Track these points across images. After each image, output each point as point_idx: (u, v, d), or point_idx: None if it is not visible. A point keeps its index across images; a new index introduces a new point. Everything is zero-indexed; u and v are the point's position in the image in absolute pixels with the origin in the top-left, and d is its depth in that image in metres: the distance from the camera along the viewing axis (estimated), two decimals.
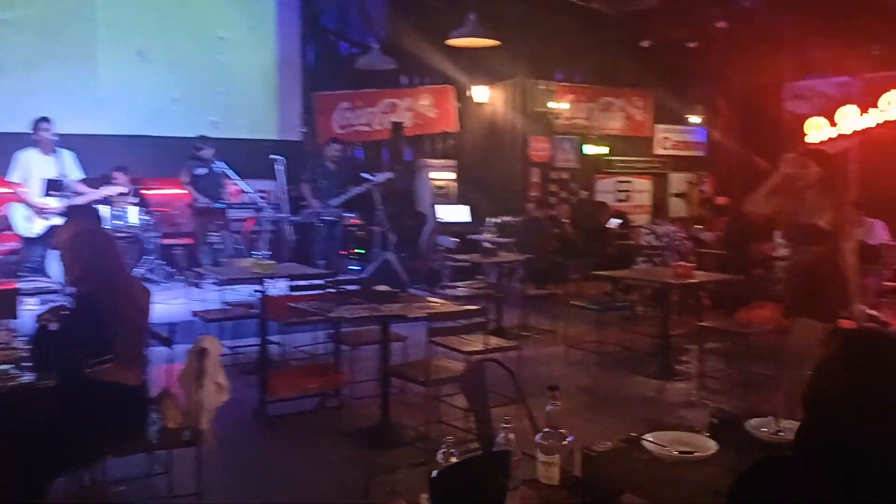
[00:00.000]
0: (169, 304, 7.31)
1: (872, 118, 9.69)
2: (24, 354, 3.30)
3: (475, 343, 4.83)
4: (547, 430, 1.98)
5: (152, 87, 9.79)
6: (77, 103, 9.01)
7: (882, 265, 7.48)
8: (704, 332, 6.08)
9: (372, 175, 9.25)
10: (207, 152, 8.72)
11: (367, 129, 11.63)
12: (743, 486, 1.38)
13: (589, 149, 12.24)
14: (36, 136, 7.04)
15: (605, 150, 12.35)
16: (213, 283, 6.93)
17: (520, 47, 10.67)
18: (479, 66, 11.43)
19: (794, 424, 2.21)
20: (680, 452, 2.03)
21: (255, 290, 5.46)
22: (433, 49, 10.86)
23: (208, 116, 9.99)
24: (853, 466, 1.21)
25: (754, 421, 2.24)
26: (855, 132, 9.98)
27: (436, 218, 10.76)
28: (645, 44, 9.96)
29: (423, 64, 11.41)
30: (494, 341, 4.76)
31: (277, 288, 6.98)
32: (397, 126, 10.90)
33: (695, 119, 12.77)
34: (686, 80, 11.87)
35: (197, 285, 5.57)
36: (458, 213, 10.98)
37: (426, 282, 9.77)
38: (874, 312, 7.47)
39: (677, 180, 13.05)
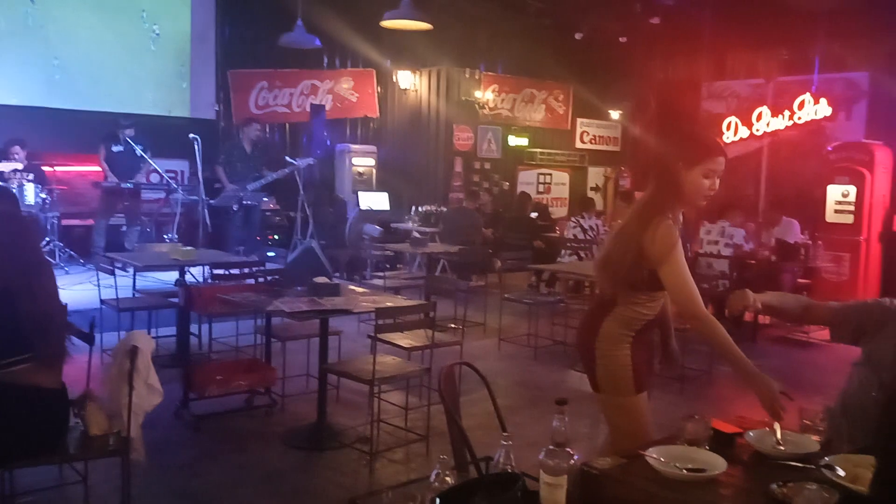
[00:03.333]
0: (72, 290, 6.76)
1: (783, 120, 10.07)
2: None
3: (416, 338, 4.64)
4: (552, 447, 1.81)
5: (53, 56, 9.02)
6: None
7: (798, 262, 7.76)
8: None
9: (293, 159, 8.88)
10: (129, 131, 8.17)
11: (285, 110, 11.17)
12: None
13: (512, 140, 12.22)
14: None
15: (526, 141, 12.37)
16: (123, 270, 6.43)
17: (446, 34, 10.49)
18: (404, 51, 11.18)
19: (794, 436, 2.15)
20: (688, 470, 1.91)
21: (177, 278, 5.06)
22: (358, 31, 10.52)
23: (115, 89, 9.31)
24: None
25: (753, 433, 2.16)
26: (766, 133, 10.35)
27: (358, 205, 10.47)
28: (578, 36, 9.97)
29: (347, 46, 11.05)
30: (437, 337, 4.58)
31: (192, 275, 6.57)
32: (318, 109, 10.50)
33: (615, 114, 12.96)
34: (608, 75, 12.01)
35: (111, 272, 5.09)
36: (378, 201, 10.73)
37: (348, 271, 9.49)
38: None
39: (595, 174, 13.24)
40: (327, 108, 10.88)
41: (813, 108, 9.85)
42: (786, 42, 10.36)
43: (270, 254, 9.09)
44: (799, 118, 10.04)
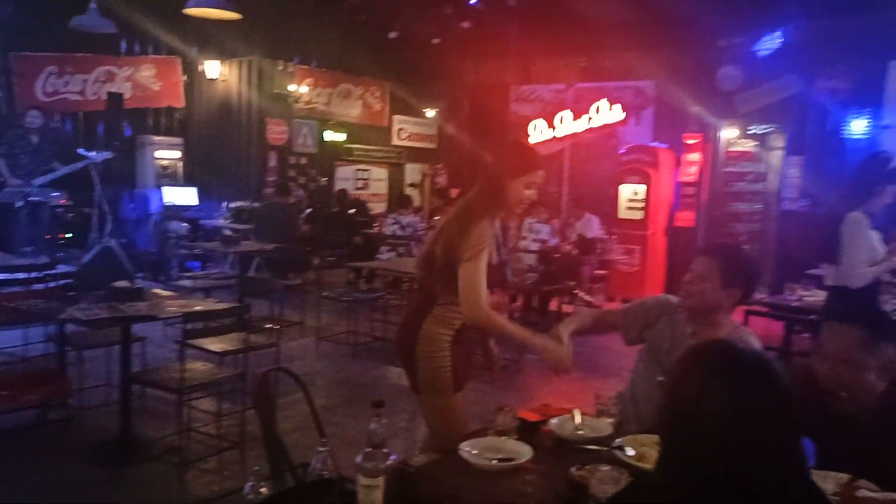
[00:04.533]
0: None
1: (583, 124, 10.83)
2: None
3: (229, 341, 4.47)
4: (369, 450, 1.83)
5: None
6: None
7: (595, 255, 8.39)
8: None
9: (88, 151, 8.20)
10: None
11: (78, 98, 10.25)
12: None
13: (328, 135, 12.11)
14: None
15: (343, 136, 12.32)
16: None
17: (258, 25, 10.16)
18: (211, 39, 10.69)
19: (592, 421, 2.33)
20: (499, 460, 2.01)
21: None
22: (160, 16, 9.90)
23: None
24: (733, 489, 1.23)
25: (556, 420, 2.31)
26: (568, 136, 11.07)
27: (162, 201, 9.88)
28: (392, 35, 10.06)
29: (148, 32, 10.35)
30: (251, 339, 4.43)
31: None
32: (115, 97, 9.74)
33: (430, 113, 13.25)
34: (424, 74, 12.25)
35: None
36: (185, 196, 10.18)
37: (152, 272, 8.95)
38: (589, 298, 8.41)
39: (412, 171, 13.46)
40: (126, 96, 10.13)
41: (607, 113, 10.67)
42: (583, 51, 11.13)
43: (62, 254, 8.34)
44: (595, 122, 10.83)
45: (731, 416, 1.25)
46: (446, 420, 2.74)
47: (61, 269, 5.42)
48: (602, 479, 1.79)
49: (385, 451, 1.84)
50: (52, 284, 4.70)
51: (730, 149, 10.07)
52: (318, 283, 7.08)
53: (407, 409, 4.92)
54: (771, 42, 9.03)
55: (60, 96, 10.03)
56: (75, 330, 4.52)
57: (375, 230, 9.67)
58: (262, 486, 1.77)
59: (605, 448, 2.08)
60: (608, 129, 10.82)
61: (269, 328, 6.45)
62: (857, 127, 8.70)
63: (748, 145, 10.02)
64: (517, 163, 2.74)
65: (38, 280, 4.80)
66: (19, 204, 7.84)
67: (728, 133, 9.99)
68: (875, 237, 4.15)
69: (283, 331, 6.32)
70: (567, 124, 10.97)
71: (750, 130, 9.93)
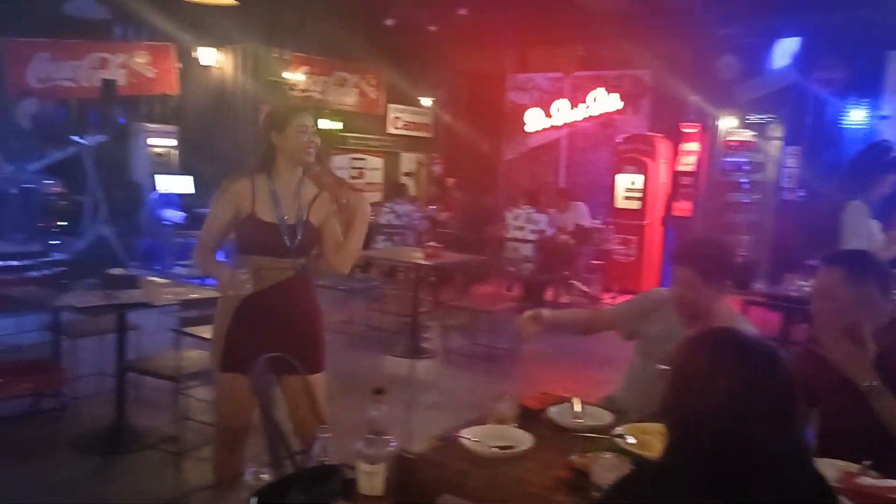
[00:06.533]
0: None
1: (580, 112, 10.79)
2: None
3: None
4: (370, 436, 1.81)
5: None
6: None
7: (592, 245, 8.37)
8: (446, 308, 6.30)
9: (81, 137, 8.13)
10: None
11: (71, 84, 10.15)
12: (617, 496, 1.35)
13: (324, 123, 12.03)
14: None
15: (339, 125, 12.24)
16: None
17: (252, 11, 10.07)
18: (206, 26, 10.58)
19: (592, 410, 2.32)
20: (500, 448, 1.99)
21: None
22: (154, 1, 9.80)
23: None
24: (739, 471, 1.22)
25: (555, 408, 2.29)
26: (564, 125, 11.04)
27: (155, 188, 9.81)
28: (389, 22, 9.98)
29: (142, 17, 10.25)
30: None
31: None
32: (109, 84, 9.64)
33: (426, 101, 13.18)
34: (419, 62, 12.18)
35: None
36: (180, 184, 10.11)
37: (146, 260, 8.89)
38: (585, 288, 8.40)
39: (408, 160, 13.40)
40: (120, 83, 10.04)
41: (605, 102, 10.62)
42: (580, 39, 11.07)
43: (55, 242, 8.28)
44: (593, 111, 10.79)
45: (737, 400, 1.26)
46: (215, 397, 2.81)
47: (55, 256, 5.37)
48: (604, 467, 1.77)
49: (385, 437, 1.82)
50: (45, 272, 4.65)
51: (728, 139, 10.04)
52: (313, 271, 7.04)
53: (404, 399, 4.92)
54: (769, 32, 9.00)
55: (53, 82, 9.93)
56: (69, 318, 4.49)
57: (371, 219, 9.63)
58: (262, 473, 1.76)
59: (606, 436, 2.06)
60: (605, 118, 10.78)
61: None
62: (856, 117, 8.69)
63: (746, 135, 10.00)
64: (276, 117, 2.77)
65: (31, 267, 4.76)
66: (12, 191, 7.78)
67: (726, 123, 9.96)
68: (875, 226, 4.14)
69: None
70: (564, 113, 10.94)
71: (748, 120, 9.90)
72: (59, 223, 8.87)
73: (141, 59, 10.71)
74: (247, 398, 2.60)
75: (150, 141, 10.43)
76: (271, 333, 2.65)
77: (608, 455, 1.86)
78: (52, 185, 8.66)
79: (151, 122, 10.65)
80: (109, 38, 10.32)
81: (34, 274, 4.67)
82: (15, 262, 4.72)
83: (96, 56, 10.30)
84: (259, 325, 2.65)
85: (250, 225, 2.67)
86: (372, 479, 1.78)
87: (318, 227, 2.81)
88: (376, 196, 12.40)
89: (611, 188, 9.83)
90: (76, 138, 8.12)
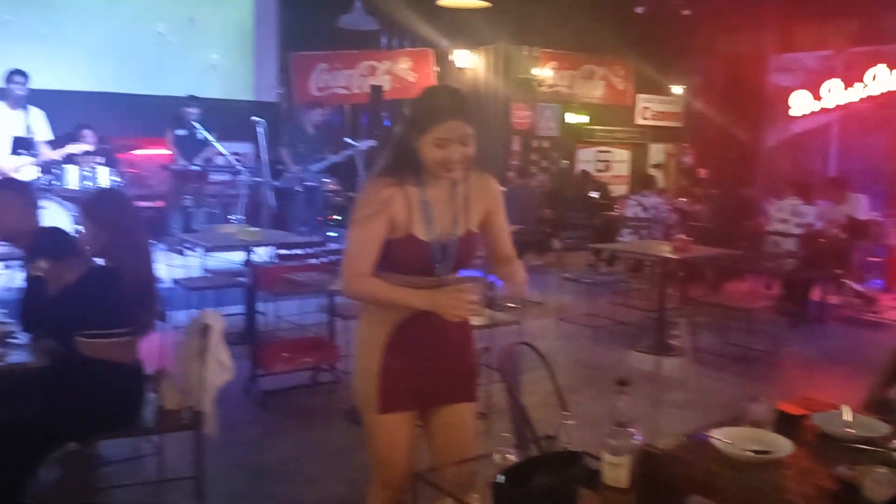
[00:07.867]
0: None
1: (856, 93, 9.68)
2: (10, 329, 3.04)
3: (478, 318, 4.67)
4: (616, 427, 1.83)
5: (122, 43, 9.31)
6: (44, 56, 8.50)
7: (869, 240, 7.51)
8: (695, 305, 6.04)
9: (354, 141, 8.97)
10: (194, 113, 8.37)
11: (345, 91, 11.27)
12: None
13: (570, 117, 12.08)
14: (6, 89, 6.60)
15: (585, 118, 12.21)
16: (192, 250, 6.65)
17: (504, 11, 10.39)
18: (461, 29, 11.13)
19: (862, 419, 2.12)
20: (754, 452, 1.90)
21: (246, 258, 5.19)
22: (415, 10, 10.52)
23: (182, 75, 9.56)
24: None
25: (820, 415, 2.13)
26: (838, 106, 9.98)
27: None
28: (639, 10, 9.77)
29: (405, 26, 11.06)
30: (496, 316, 4.60)
31: (258, 254, 6.74)
32: (377, 90, 10.57)
33: (677, 89, 12.66)
34: (669, 49, 11.73)
35: (181, 252, 5.28)
36: None
37: None
38: (860, 288, 7.55)
39: (656, 151, 12.99)
40: (386, 88, 10.93)
41: (886, 80, 9.43)
42: (855, 12, 9.91)
43: (332, 234, 9.25)
44: (872, 90, 9.63)
45: None
46: (368, 443, 2.31)
47: (331, 246, 6.03)
48: (878, 482, 1.62)
49: (630, 429, 1.83)
50: (324, 260, 5.24)
51: None
52: (558, 264, 7.14)
53: (648, 395, 4.81)
54: None
55: (330, 91, 11.10)
56: (343, 301, 5.02)
57: (616, 212, 9.51)
58: (509, 453, 1.86)
59: (881, 449, 1.88)
60: (886, 98, 9.57)
61: (512, 307, 6.66)
62: None
63: None
64: (417, 116, 2.15)
65: (312, 256, 5.39)
66: (298, 189, 8.81)
67: None
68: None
69: (525, 310, 6.47)
70: (836, 94, 9.88)
71: None
72: (335, 217, 9.92)
73: (403, 65, 11.57)
74: (411, 440, 2.28)
75: None
76: (427, 361, 2.26)
77: (883, 469, 1.70)
78: (329, 184, 9.69)
79: None
80: (377, 47, 11.27)
81: (314, 262, 5.28)
82: (300, 251, 5.38)
83: (366, 64, 11.33)
84: (415, 355, 2.24)
85: (407, 245, 2.18)
86: (617, 470, 1.80)
87: (475, 235, 2.36)
88: (622, 189, 12.19)
89: (891, 177, 8.71)
90: (350, 141, 8.97)
